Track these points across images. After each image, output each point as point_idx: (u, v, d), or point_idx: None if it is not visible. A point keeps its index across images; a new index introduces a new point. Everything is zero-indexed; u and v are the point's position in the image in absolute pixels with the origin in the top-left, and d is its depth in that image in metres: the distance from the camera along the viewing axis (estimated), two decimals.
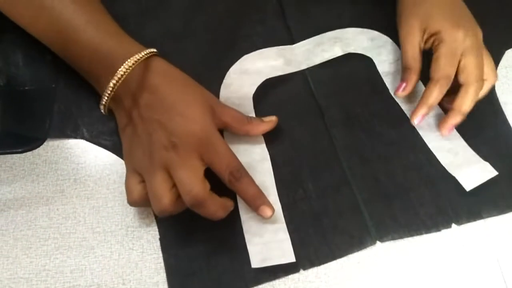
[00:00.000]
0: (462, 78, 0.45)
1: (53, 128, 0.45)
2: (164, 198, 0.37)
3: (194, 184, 0.37)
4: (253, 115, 0.46)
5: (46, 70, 0.47)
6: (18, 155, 0.44)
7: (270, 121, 0.44)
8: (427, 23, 0.46)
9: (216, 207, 0.38)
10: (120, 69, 0.39)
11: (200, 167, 0.38)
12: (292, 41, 0.51)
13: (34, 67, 0.47)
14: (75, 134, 0.45)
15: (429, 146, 0.46)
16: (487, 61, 0.46)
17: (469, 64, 0.44)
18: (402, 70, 0.47)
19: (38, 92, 0.46)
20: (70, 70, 0.44)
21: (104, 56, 0.40)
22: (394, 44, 0.51)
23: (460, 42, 0.45)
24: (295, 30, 0.51)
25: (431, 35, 0.46)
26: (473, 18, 0.47)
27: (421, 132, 0.46)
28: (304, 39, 0.51)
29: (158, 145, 0.38)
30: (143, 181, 0.38)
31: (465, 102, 0.44)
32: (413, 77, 0.46)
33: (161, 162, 0.37)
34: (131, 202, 0.39)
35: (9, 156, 0.44)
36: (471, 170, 0.44)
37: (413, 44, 0.46)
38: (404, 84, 0.46)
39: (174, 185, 0.37)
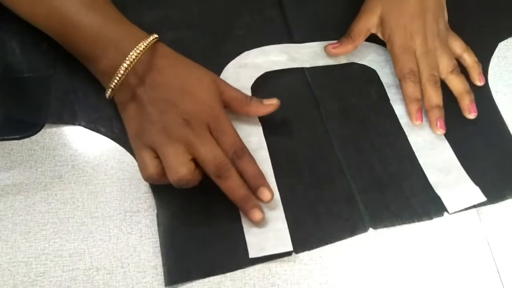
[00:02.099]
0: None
1: (51, 114, 0.45)
2: (183, 167, 0.38)
3: (218, 153, 0.39)
4: None
5: (43, 58, 0.47)
6: (16, 141, 0.44)
7: (271, 104, 0.44)
8: (384, 18, 0.49)
9: (240, 181, 0.40)
10: (131, 53, 0.40)
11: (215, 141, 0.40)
12: (289, 31, 0.51)
13: (31, 54, 0.47)
14: (72, 120, 0.45)
15: (420, 162, 0.45)
16: (447, 55, 0.48)
17: (419, 63, 0.47)
18: (344, 37, 0.49)
19: (35, 79, 0.46)
20: (67, 58, 0.45)
21: (108, 40, 0.41)
22: None
23: (410, 43, 0.48)
24: (292, 20, 0.52)
25: (385, 30, 0.49)
26: (439, 14, 0.49)
27: (414, 148, 0.46)
28: (301, 29, 0.51)
29: (172, 122, 0.39)
30: (157, 156, 0.39)
31: (430, 96, 0.47)
32: (349, 46, 0.49)
33: (179, 137, 0.39)
34: (147, 177, 0.40)
35: (7, 142, 0.44)
36: (459, 192, 0.44)
37: (365, 26, 0.49)
38: (337, 45, 0.49)
39: (192, 158, 0.39)
